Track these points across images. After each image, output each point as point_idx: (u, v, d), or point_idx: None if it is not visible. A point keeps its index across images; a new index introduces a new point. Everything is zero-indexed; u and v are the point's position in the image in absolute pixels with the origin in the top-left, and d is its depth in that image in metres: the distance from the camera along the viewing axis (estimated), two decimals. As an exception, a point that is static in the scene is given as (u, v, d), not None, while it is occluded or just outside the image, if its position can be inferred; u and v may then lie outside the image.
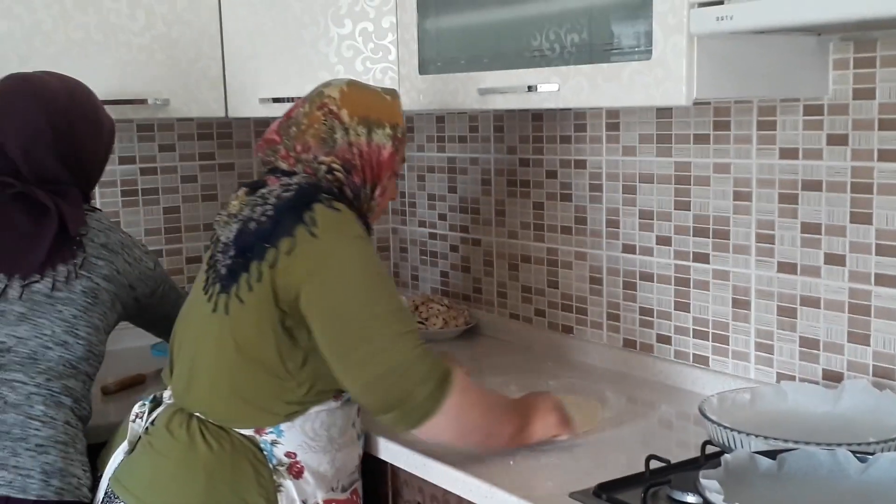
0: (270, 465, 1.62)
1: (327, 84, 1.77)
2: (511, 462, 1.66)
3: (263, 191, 1.67)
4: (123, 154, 2.56)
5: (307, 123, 1.72)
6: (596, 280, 2.28)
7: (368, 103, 1.75)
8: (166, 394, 1.72)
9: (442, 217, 2.74)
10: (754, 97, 1.85)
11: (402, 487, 1.81)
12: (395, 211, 2.92)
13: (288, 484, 1.62)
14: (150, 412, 1.69)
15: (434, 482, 1.68)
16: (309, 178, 1.68)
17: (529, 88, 1.83)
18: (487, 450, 1.66)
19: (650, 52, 1.63)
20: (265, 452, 1.62)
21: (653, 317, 2.16)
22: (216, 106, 2.31)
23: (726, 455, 1.40)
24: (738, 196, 1.95)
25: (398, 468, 1.78)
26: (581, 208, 2.30)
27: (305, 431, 1.64)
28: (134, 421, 1.68)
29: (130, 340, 2.29)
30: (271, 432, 1.62)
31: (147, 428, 1.67)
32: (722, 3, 1.51)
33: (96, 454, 1.77)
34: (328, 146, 1.70)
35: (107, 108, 2.15)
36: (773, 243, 1.89)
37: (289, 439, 1.63)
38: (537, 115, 2.38)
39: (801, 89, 1.76)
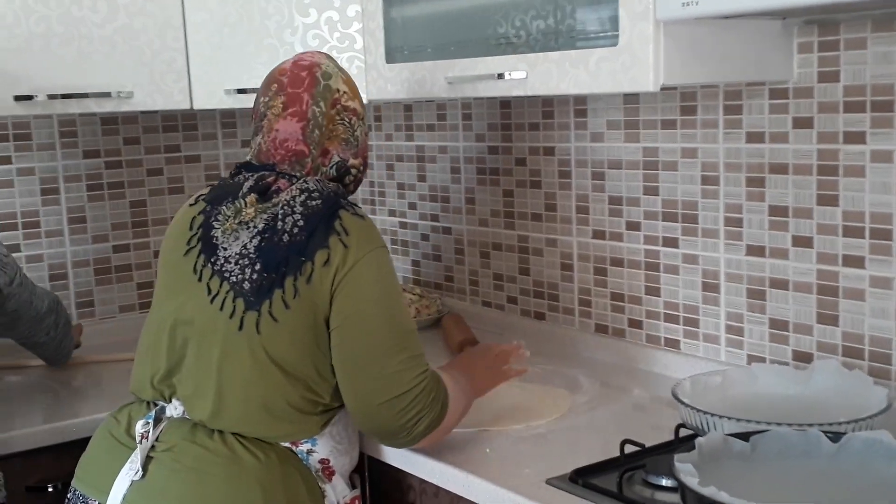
0: (312, 472, 1.58)
1: (322, 73, 1.67)
2: (488, 450, 1.67)
3: (285, 197, 1.58)
4: (88, 148, 2.53)
5: (327, 126, 1.66)
6: (567, 266, 2.29)
7: (355, 84, 1.71)
8: (172, 409, 1.60)
9: (412, 206, 2.74)
10: (721, 82, 1.86)
11: (379, 478, 1.81)
12: (365, 200, 2.91)
13: (327, 488, 1.59)
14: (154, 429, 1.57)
15: (411, 472, 1.69)
16: (323, 180, 1.62)
17: (499, 76, 1.83)
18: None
19: (617, 38, 1.63)
20: (304, 462, 1.59)
21: (624, 302, 2.17)
22: (181, 97, 2.29)
23: (700, 438, 1.41)
24: (705, 180, 1.96)
25: (373, 458, 1.78)
26: (551, 195, 2.30)
27: (333, 436, 1.61)
28: (140, 442, 1.55)
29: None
30: (306, 442, 1.59)
31: (154, 446, 1.55)
32: (688, -12, 1.52)
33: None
34: (352, 146, 1.68)
35: (70, 101, 2.14)
36: (742, 227, 1.91)
37: (321, 447, 1.60)
38: (505, 103, 2.38)
39: (767, 73, 1.78)
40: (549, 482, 1.51)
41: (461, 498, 1.59)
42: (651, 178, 2.07)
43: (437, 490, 1.65)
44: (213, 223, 1.61)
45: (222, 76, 2.30)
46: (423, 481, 1.67)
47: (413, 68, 2.06)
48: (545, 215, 2.33)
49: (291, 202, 1.57)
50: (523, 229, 2.39)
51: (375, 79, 2.17)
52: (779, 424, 1.48)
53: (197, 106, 2.31)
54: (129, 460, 1.55)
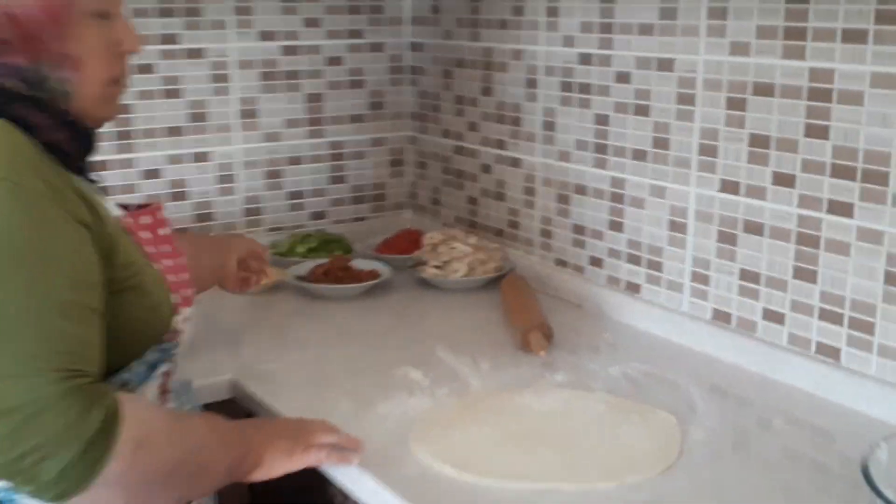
0: None
1: None
2: None
3: None
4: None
5: None
6: (678, 226, 1.67)
7: None
8: None
9: (472, 127, 2.13)
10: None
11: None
12: (415, 115, 2.31)
13: None
14: None
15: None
16: None
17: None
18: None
19: None
20: None
21: (759, 284, 1.55)
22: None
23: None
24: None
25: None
26: (662, 126, 1.67)
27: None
28: None
29: None
30: None
31: None
32: None
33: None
34: None
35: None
36: (961, 197, 1.27)
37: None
38: (607, -6, 1.74)
39: None
40: None
41: None
42: (818, 114, 1.43)
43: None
44: None
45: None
46: None
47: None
48: (652, 153, 1.70)
49: None
50: (619, 169, 1.77)
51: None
52: None
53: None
54: None
